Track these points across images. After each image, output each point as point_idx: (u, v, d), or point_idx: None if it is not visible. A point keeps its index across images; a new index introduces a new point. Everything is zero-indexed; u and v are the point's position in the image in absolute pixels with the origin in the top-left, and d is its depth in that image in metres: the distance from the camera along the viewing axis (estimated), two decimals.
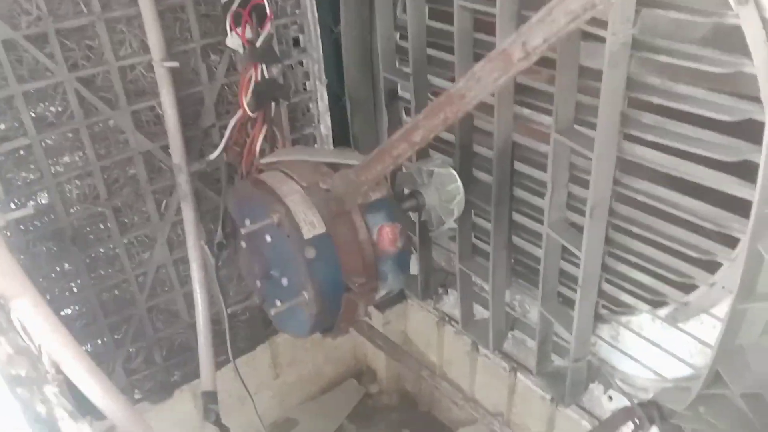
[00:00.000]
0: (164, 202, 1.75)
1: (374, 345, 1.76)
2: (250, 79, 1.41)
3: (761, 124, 1.09)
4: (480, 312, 1.99)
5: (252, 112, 1.43)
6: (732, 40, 1.11)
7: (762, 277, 1.21)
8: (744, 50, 1.07)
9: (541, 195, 1.53)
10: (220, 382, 1.87)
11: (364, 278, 1.12)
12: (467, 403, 1.61)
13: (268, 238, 1.18)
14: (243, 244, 1.29)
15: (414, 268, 2.09)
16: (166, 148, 1.63)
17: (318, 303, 1.12)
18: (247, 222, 1.19)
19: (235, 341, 2.12)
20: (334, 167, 1.21)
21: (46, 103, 1.50)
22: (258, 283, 1.28)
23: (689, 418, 1.43)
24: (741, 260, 1.21)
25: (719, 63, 1.13)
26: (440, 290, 2.17)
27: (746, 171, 1.18)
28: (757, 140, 1.12)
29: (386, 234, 1.14)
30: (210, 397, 1.68)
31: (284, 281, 1.19)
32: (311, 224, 1.11)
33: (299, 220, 1.11)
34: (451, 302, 2.15)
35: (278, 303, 1.17)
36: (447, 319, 2.18)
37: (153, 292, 1.86)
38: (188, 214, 1.68)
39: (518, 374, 2.00)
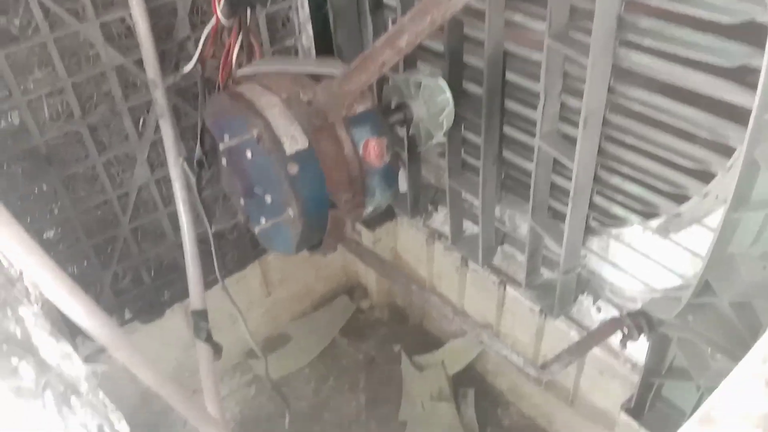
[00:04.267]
0: (141, 119, 1.68)
1: (363, 262, 1.75)
2: None
3: (763, 28, 1.03)
4: (470, 228, 1.97)
5: (226, 19, 1.34)
6: None
7: (758, 185, 1.18)
8: None
9: (534, 107, 1.48)
10: (211, 301, 1.88)
11: (350, 194, 1.08)
12: (457, 316, 1.62)
13: (249, 154, 1.13)
14: (224, 161, 1.24)
15: (403, 185, 2.06)
16: (140, 63, 1.55)
17: (303, 220, 1.09)
18: (226, 137, 1.14)
19: (224, 261, 2.12)
20: (316, 78, 1.15)
21: (9, 16, 1.41)
22: (242, 201, 1.25)
23: (677, 326, 1.44)
24: (736, 169, 1.18)
25: None
26: (430, 207, 2.14)
27: (744, 77, 1.13)
28: (758, 43, 1.07)
29: (372, 148, 1.09)
30: (200, 316, 1.68)
31: (268, 198, 1.15)
32: (293, 138, 1.06)
33: (280, 134, 1.05)
34: (440, 219, 2.14)
35: (262, 221, 1.14)
36: (437, 235, 2.17)
37: (136, 213, 1.82)
38: (167, 131, 1.62)
39: (507, 287, 2.01)
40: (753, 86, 1.08)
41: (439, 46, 1.61)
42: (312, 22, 1.81)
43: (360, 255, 1.60)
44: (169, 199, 1.83)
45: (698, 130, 1.23)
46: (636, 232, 1.52)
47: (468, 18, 1.46)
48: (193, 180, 1.37)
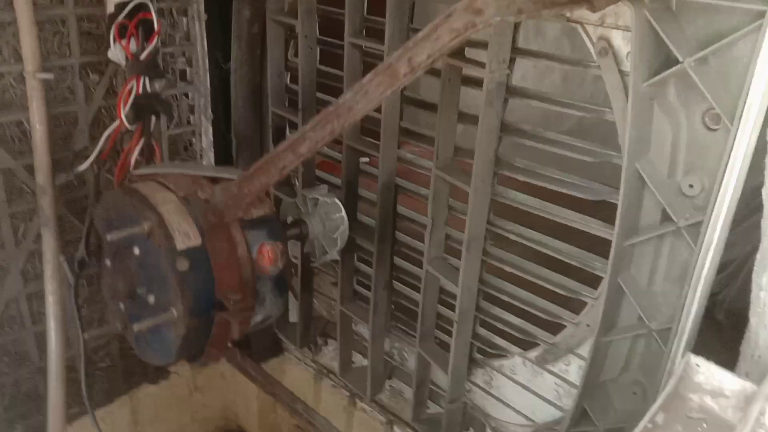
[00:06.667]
0: (22, 227, 1.60)
1: (246, 375, 1.66)
2: (130, 91, 1.36)
3: (619, 168, 1.19)
4: (359, 360, 1.95)
5: (130, 124, 1.37)
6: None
7: (623, 310, 1.29)
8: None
9: (422, 238, 1.56)
10: None
11: (240, 295, 1.07)
12: None
13: (137, 251, 1.10)
14: (108, 262, 1.20)
15: (293, 315, 2.03)
16: (30, 168, 1.51)
17: (187, 321, 1.05)
18: (115, 231, 1.11)
19: (90, 392, 1.94)
20: (215, 181, 1.17)
21: None
22: (121, 306, 1.19)
23: None
24: (602, 296, 1.29)
25: (582, 108, 1.24)
26: (320, 341, 2.11)
27: (606, 214, 1.27)
28: (616, 182, 1.22)
29: (267, 252, 1.10)
30: None
31: (151, 298, 1.10)
32: (186, 235, 1.05)
33: (173, 229, 1.05)
34: (330, 354, 2.10)
35: (142, 321, 1.08)
36: (325, 372, 2.12)
37: None
38: (49, 242, 1.55)
39: (395, 428, 1.96)
40: (612, 220, 1.22)
41: (337, 179, 1.70)
42: (215, 150, 1.87)
43: (242, 367, 1.53)
44: (38, 317, 1.70)
45: (570, 261, 1.34)
46: (517, 364, 1.56)
47: (364, 149, 1.57)
48: (71, 282, 1.30)
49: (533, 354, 1.52)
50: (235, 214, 1.09)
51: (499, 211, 1.42)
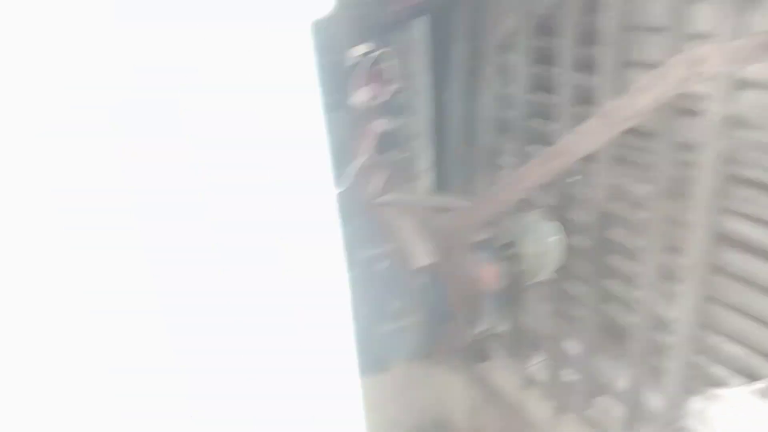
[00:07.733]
0: None
1: (459, 376, 1.79)
2: (374, 130, 1.57)
3: None
4: (567, 375, 1.99)
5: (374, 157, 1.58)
6: None
7: None
8: None
9: (636, 262, 1.57)
10: None
11: (468, 309, 1.22)
12: None
13: (384, 265, 1.30)
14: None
15: (505, 325, 2.13)
16: None
17: (425, 327, 1.22)
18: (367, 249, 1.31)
19: None
20: (444, 210, 1.34)
21: None
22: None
23: None
24: None
25: None
26: (530, 351, 2.18)
27: None
28: None
29: (490, 272, 1.24)
30: None
31: (396, 305, 1.30)
32: (423, 254, 1.23)
33: (412, 249, 1.23)
34: (537, 365, 2.16)
35: (389, 325, 1.28)
36: (532, 381, 2.18)
37: None
38: None
39: None
40: None
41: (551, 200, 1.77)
42: (434, 170, 2.04)
43: (457, 371, 1.66)
44: None
45: None
46: (737, 394, 1.51)
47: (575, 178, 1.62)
48: None
49: (757, 386, 1.46)
50: (464, 238, 1.24)
51: (721, 238, 1.39)
